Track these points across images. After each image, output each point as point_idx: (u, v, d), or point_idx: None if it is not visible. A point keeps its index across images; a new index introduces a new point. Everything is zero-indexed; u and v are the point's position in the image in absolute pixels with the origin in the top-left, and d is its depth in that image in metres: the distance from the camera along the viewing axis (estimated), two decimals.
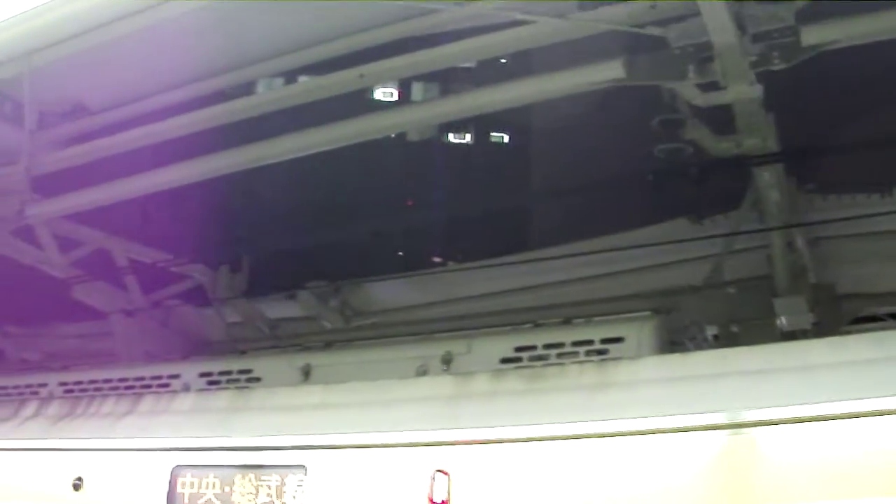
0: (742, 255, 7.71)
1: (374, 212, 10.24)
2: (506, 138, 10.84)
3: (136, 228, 9.78)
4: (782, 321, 7.06)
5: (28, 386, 8.45)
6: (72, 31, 6.33)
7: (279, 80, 8.96)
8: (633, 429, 4.88)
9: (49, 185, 8.58)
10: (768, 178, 7.03)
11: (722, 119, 6.65)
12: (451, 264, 9.87)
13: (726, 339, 7.23)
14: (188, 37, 7.19)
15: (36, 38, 6.37)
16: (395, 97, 10.46)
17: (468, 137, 11.08)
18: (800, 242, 7.38)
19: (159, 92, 8.00)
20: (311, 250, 9.85)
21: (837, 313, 7.47)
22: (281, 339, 9.32)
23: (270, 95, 8.07)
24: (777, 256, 7.29)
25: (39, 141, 8.23)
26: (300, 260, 9.76)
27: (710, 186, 7.34)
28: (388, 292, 9.34)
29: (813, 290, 7.32)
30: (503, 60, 7.67)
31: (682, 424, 4.78)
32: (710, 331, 7.13)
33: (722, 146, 6.77)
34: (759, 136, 6.60)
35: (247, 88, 8.62)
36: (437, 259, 10.17)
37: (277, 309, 9.68)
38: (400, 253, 10.59)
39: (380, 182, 10.07)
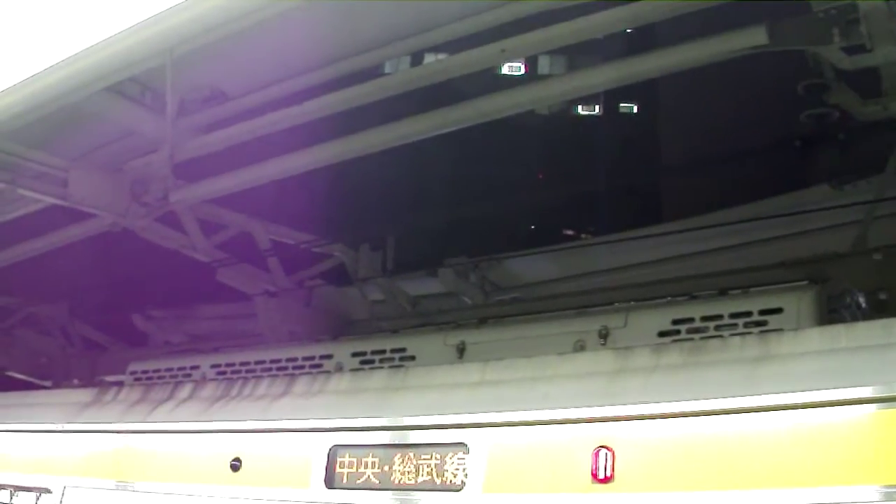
0: (889, 220, 7.58)
1: (509, 188, 10.24)
2: (639, 108, 10.74)
3: (277, 210, 9.93)
4: None
5: (181, 368, 8.63)
6: (212, 23, 6.40)
7: (417, 59, 8.99)
8: (798, 402, 4.80)
9: (191, 170, 8.74)
10: None
11: (868, 82, 6.53)
12: (586, 237, 9.83)
13: (873, 307, 7.09)
14: (322, 21, 7.23)
15: (179, 31, 6.45)
16: (523, 73, 10.39)
17: (597, 109, 11.01)
18: None
19: (295, 75, 8.06)
20: (450, 227, 9.91)
21: None
22: (423, 316, 9.37)
23: (408, 75, 8.07)
24: None
25: (181, 128, 8.37)
26: (439, 237, 9.83)
27: (854, 151, 7.23)
28: (526, 267, 9.36)
29: None
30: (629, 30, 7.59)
31: (847, 397, 4.70)
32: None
33: (868, 110, 6.65)
34: None
35: (380, 70, 8.67)
36: (570, 232, 10.13)
37: (418, 286, 9.76)
38: (533, 227, 10.57)
39: (513, 157, 10.06)
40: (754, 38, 6.33)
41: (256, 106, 8.33)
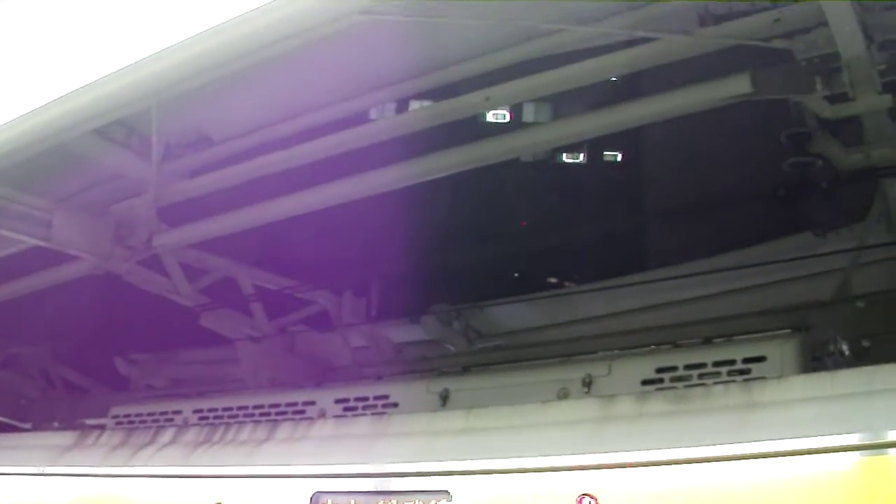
0: (871, 268, 7.63)
1: (493, 235, 10.28)
2: (624, 156, 10.83)
3: (261, 255, 9.93)
4: None
5: (163, 413, 8.60)
6: (198, 69, 6.41)
7: (402, 106, 9.03)
8: (783, 449, 4.82)
9: (175, 214, 8.75)
10: None
11: (850, 131, 6.57)
12: (571, 285, 9.86)
13: (857, 355, 7.12)
14: (308, 67, 7.26)
15: (165, 76, 6.45)
16: (507, 120, 10.47)
17: (581, 157, 11.09)
18: None
19: (281, 121, 8.10)
20: (433, 274, 9.92)
21: None
22: (407, 363, 9.38)
23: (392, 122, 8.11)
24: None
25: (166, 172, 8.41)
26: (423, 284, 9.84)
27: (837, 199, 7.27)
28: (510, 315, 9.38)
29: None
30: (613, 79, 7.65)
31: (831, 445, 4.71)
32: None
33: (851, 158, 6.69)
34: (888, 147, 6.51)
35: (365, 116, 8.71)
36: (554, 280, 10.15)
37: (401, 333, 9.78)
38: (517, 275, 10.60)
39: (496, 205, 10.11)
40: (738, 86, 6.39)
41: (242, 151, 8.35)
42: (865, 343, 7.21)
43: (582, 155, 11.10)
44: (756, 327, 6.64)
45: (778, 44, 6.20)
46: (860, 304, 7.61)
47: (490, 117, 10.82)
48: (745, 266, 8.08)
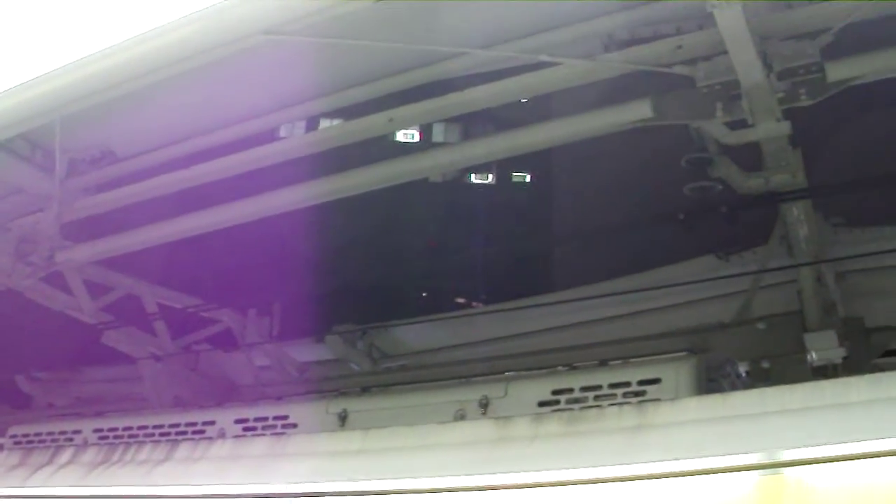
0: (771, 290, 7.77)
1: (399, 255, 10.31)
2: (532, 178, 10.91)
3: (165, 273, 9.86)
4: (812, 356, 7.09)
5: (62, 432, 8.46)
6: (102, 85, 6.35)
7: (311, 125, 9.03)
8: (674, 470, 4.87)
9: (79, 230, 8.66)
10: (797, 214, 7.07)
11: (750, 156, 6.69)
12: (478, 306, 9.92)
13: (757, 376, 7.25)
14: (215, 84, 7.24)
15: (68, 91, 6.38)
16: (417, 140, 10.52)
17: (490, 178, 11.16)
18: (829, 277, 7.41)
19: (186, 138, 8.05)
20: (338, 294, 9.93)
21: (867, 347, 7.47)
22: (310, 383, 9.36)
23: (298, 140, 8.10)
24: (806, 291, 7.35)
25: (69, 187, 8.31)
26: (327, 304, 9.83)
27: (737, 223, 7.39)
28: (414, 335, 9.40)
29: (843, 324, 7.34)
30: (523, 100, 7.72)
31: (723, 465, 4.77)
32: (742, 367, 7.12)
33: (751, 183, 6.81)
34: (787, 172, 6.64)
35: (273, 134, 8.68)
36: (461, 301, 10.21)
37: (306, 352, 9.76)
38: (424, 294, 10.63)
39: (403, 225, 10.13)
40: (639, 111, 6.50)
41: (147, 168, 8.28)
42: (766, 364, 7.36)
43: (490, 176, 11.18)
44: (657, 349, 6.72)
45: (680, 70, 6.31)
46: (761, 325, 7.75)
47: (400, 137, 10.80)
48: (648, 289, 8.18)
